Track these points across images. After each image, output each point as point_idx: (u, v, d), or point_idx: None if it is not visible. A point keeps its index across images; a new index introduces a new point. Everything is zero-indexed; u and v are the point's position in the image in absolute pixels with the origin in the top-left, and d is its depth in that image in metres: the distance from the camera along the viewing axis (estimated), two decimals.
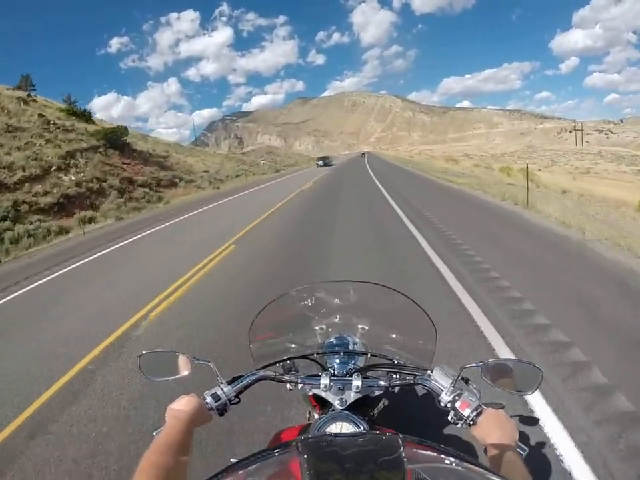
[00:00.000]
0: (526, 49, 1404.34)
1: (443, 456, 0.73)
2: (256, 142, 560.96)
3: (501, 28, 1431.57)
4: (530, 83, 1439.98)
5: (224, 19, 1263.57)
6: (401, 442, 0.69)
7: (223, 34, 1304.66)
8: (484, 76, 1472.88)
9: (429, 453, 0.75)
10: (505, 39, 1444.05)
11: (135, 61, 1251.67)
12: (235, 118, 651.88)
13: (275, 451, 0.76)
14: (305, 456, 0.66)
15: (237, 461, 0.79)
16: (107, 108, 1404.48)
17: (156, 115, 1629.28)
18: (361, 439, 0.79)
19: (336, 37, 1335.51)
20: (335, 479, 0.62)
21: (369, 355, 1.33)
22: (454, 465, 0.71)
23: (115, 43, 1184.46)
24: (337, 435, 0.93)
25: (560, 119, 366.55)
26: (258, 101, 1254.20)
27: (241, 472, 0.73)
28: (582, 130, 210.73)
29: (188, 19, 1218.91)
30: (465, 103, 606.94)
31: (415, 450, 0.73)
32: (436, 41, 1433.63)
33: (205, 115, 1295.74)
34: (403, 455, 0.66)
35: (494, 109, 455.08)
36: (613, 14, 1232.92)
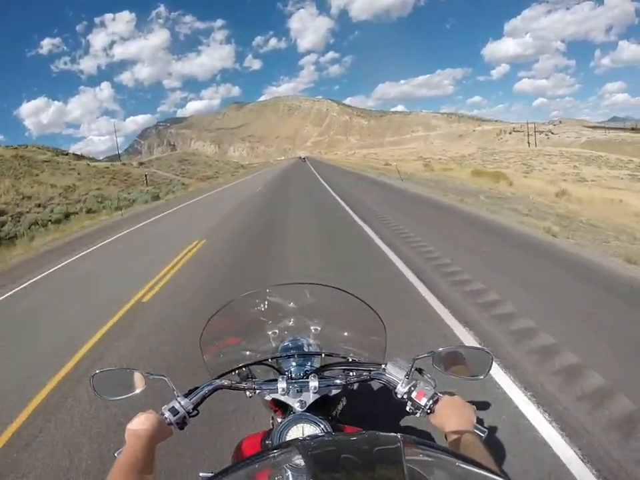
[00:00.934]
0: (459, 56, 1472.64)
1: (442, 455, 0.74)
2: (189, 148, 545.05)
3: (436, 36, 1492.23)
4: (462, 88, 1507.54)
5: (160, 21, 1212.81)
6: (400, 441, 0.69)
7: (159, 37, 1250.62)
8: (418, 82, 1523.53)
9: (429, 452, 0.76)
10: (439, 46, 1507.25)
11: (67, 63, 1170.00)
12: (169, 124, 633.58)
13: (275, 452, 0.77)
14: (305, 456, 0.67)
15: (237, 462, 0.81)
16: (37, 113, 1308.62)
17: (88, 121, 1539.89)
18: (361, 439, 0.80)
19: (273, 42, 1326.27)
20: (335, 478, 0.62)
21: (323, 355, 1.35)
22: (453, 464, 0.72)
23: (47, 44, 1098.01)
24: (337, 435, 0.99)
25: (497, 121, 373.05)
26: (193, 107, 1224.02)
27: (241, 472, 0.74)
28: (523, 132, 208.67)
29: (123, 20, 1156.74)
30: (400, 107, 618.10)
31: (414, 450, 0.73)
32: (372, 47, 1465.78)
33: (139, 121, 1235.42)
34: (403, 454, 0.66)
35: (431, 112, 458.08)
36: (543, 24, 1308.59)
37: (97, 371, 1.17)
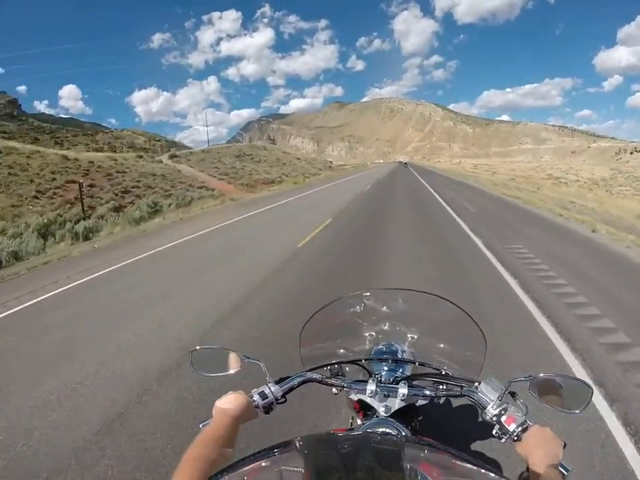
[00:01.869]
0: (568, 64, 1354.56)
1: (442, 455, 0.74)
2: (288, 144, 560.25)
3: (544, 42, 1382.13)
4: (571, 100, 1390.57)
5: (265, 20, 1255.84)
6: (400, 442, 0.70)
7: (264, 35, 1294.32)
8: (524, 90, 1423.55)
9: (429, 452, 0.76)
10: (547, 53, 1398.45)
11: (176, 57, 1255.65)
12: (271, 119, 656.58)
13: (276, 450, 0.78)
14: (306, 455, 0.68)
15: (238, 460, 0.81)
16: (147, 102, 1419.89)
17: (194, 112, 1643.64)
18: (361, 439, 0.81)
19: (377, 43, 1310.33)
20: (335, 478, 0.62)
21: (416, 364, 1.35)
22: (454, 464, 0.71)
23: (157, 39, 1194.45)
24: (337, 435, 0.98)
25: (612, 138, 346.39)
26: (296, 104, 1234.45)
27: (243, 470, 0.74)
28: None
29: (230, 18, 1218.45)
30: (504, 117, 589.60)
31: (414, 450, 0.73)
32: (477, 52, 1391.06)
33: (244, 114, 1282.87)
34: (403, 454, 0.66)
35: (542, 123, 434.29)
36: None
37: (197, 347, 1.26)
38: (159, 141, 57.22)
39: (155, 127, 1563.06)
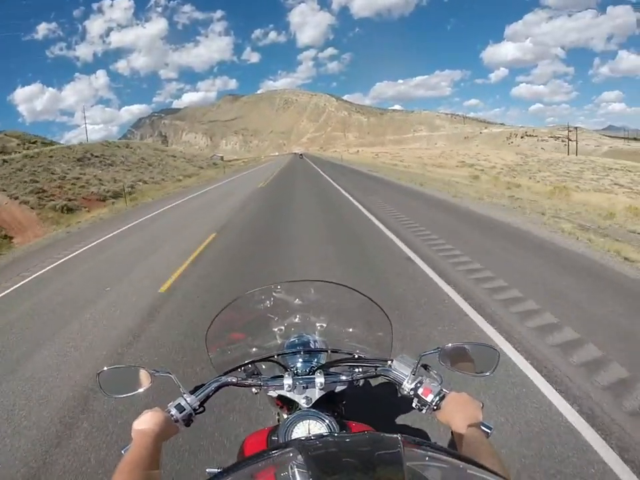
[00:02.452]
0: (458, 58, 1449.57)
1: (442, 456, 0.75)
2: (180, 140, 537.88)
3: (436, 36, 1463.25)
4: (460, 91, 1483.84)
5: (159, 9, 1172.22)
6: (400, 442, 0.70)
7: (157, 25, 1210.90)
8: (416, 82, 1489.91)
9: (429, 453, 0.76)
10: (438, 47, 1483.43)
11: (63, 49, 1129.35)
12: (163, 115, 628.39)
13: (275, 452, 0.78)
14: (305, 456, 0.67)
15: (239, 461, 0.82)
16: (31, 99, 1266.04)
17: (82, 110, 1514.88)
18: (361, 439, 0.81)
19: (272, 35, 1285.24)
20: (335, 479, 0.63)
21: (329, 352, 1.38)
22: (453, 464, 0.72)
23: (42, 29, 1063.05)
24: (337, 436, 0.99)
25: (502, 124, 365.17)
26: (189, 98, 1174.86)
27: (240, 472, 0.75)
28: (536, 136, 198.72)
29: (121, 7, 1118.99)
30: (397, 107, 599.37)
31: (414, 450, 0.74)
32: (371, 45, 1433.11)
33: (135, 111, 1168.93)
34: (403, 455, 0.67)
35: (435, 112, 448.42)
36: (544, 29, 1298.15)
37: (105, 368, 1.18)
38: (34, 143, 43.94)
39: (41, 127, 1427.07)
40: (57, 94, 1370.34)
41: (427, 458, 0.74)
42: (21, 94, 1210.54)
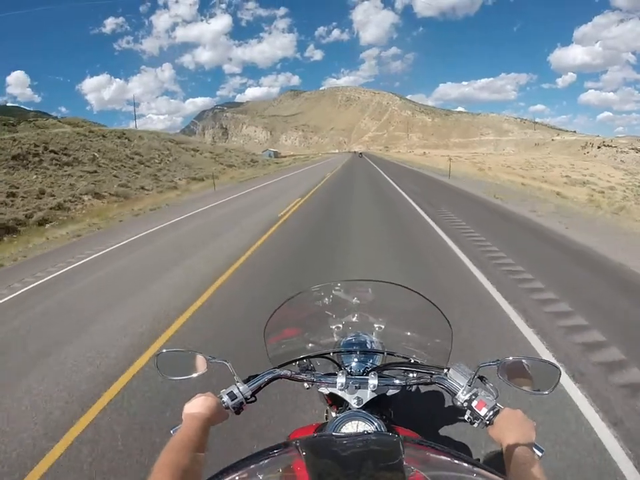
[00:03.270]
0: (525, 61, 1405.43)
1: (442, 456, 0.76)
2: (240, 133, 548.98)
3: (502, 38, 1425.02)
4: (525, 95, 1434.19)
5: (223, 5, 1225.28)
6: (400, 442, 0.70)
7: (221, 21, 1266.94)
8: (480, 84, 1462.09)
9: (429, 453, 0.77)
10: (504, 49, 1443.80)
11: (130, 43, 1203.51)
12: (225, 108, 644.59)
13: (275, 451, 0.79)
14: (306, 456, 0.68)
15: (237, 461, 0.83)
16: (99, 89, 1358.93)
17: (148, 100, 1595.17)
18: (361, 439, 0.81)
19: (335, 33, 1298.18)
20: (335, 479, 0.64)
21: (385, 354, 1.38)
22: (453, 465, 0.73)
23: (110, 23, 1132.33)
24: (337, 436, 0.98)
25: (574, 131, 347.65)
26: (252, 93, 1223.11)
27: (241, 472, 0.75)
28: (616, 147, 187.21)
29: (186, 2, 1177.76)
30: (460, 110, 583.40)
31: (414, 450, 0.75)
32: (435, 45, 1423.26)
33: (199, 103, 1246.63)
34: (403, 455, 0.68)
35: (503, 115, 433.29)
36: (614, 33, 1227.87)
37: (163, 350, 1.23)
38: (92, 132, 36.72)
39: (107, 116, 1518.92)
40: (123, 85, 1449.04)
41: (427, 458, 0.73)
42: (89, 84, 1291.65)
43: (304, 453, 0.68)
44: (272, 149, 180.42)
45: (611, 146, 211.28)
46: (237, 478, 0.73)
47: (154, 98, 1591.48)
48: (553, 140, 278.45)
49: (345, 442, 0.77)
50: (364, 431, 1.08)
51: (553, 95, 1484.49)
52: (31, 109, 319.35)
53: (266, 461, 0.75)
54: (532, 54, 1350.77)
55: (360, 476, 0.62)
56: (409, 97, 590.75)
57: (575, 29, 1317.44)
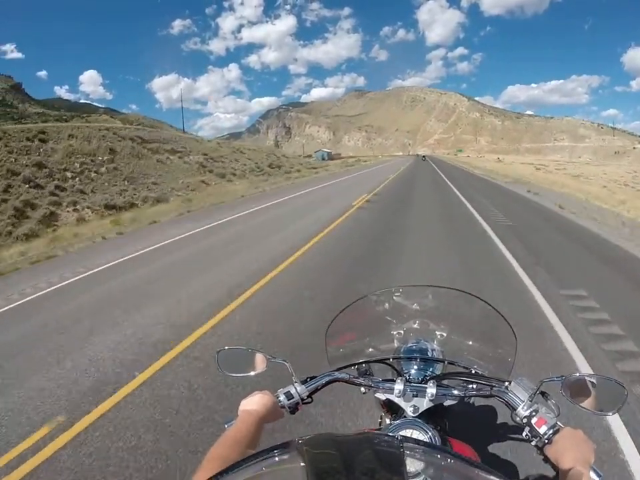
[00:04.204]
0: (596, 61, 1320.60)
1: (444, 458, 0.76)
2: (303, 133, 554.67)
3: (572, 37, 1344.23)
4: (598, 98, 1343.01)
5: (287, 7, 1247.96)
6: (401, 443, 0.71)
7: (286, 22, 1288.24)
8: (550, 87, 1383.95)
9: (429, 454, 0.78)
10: (574, 49, 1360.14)
11: (197, 44, 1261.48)
12: (290, 107, 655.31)
13: (275, 451, 0.78)
14: (305, 456, 0.68)
15: (236, 462, 0.81)
16: (167, 88, 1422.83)
17: (215, 99, 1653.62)
18: (362, 440, 0.79)
19: (401, 33, 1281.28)
20: (334, 479, 0.64)
21: (445, 363, 1.35)
22: (454, 466, 0.74)
23: (177, 25, 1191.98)
24: (337, 436, 0.93)
25: None
26: (317, 93, 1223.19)
27: (240, 472, 0.75)
28: None
29: (251, 4, 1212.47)
30: (528, 113, 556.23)
31: (415, 451, 0.75)
32: (503, 45, 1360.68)
33: (265, 103, 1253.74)
34: (404, 455, 0.68)
35: (579, 119, 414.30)
36: None
37: (225, 347, 1.26)
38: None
39: (175, 114, 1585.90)
40: (191, 84, 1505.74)
41: (428, 459, 0.75)
42: (158, 83, 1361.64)
43: (304, 453, 0.68)
44: (326, 150, 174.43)
45: None
46: (237, 477, 0.72)
47: (221, 97, 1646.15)
48: (634, 148, 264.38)
49: (345, 442, 0.76)
50: (363, 430, 1.05)
51: (626, 99, 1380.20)
52: (102, 106, 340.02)
53: (264, 462, 0.74)
54: (604, 55, 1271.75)
55: (360, 477, 0.62)
56: (476, 99, 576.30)
57: None
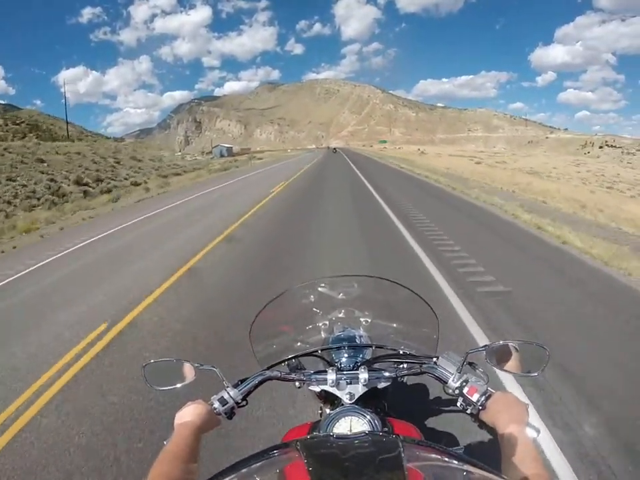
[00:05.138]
0: (505, 59, 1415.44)
1: (443, 457, 0.77)
2: (214, 127, 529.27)
3: (483, 36, 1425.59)
4: (505, 93, 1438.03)
5: None
6: (400, 443, 0.71)
7: (201, 13, 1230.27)
8: (460, 81, 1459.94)
9: (429, 453, 0.78)
10: (485, 46, 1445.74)
11: (107, 34, 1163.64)
12: (202, 102, 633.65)
13: (275, 452, 0.80)
14: (305, 457, 0.69)
15: (236, 462, 0.83)
16: (74, 82, 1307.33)
17: (125, 93, 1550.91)
18: (361, 440, 0.82)
19: (317, 27, 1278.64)
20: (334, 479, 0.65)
21: (373, 347, 1.38)
22: (454, 465, 0.74)
23: (87, 13, 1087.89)
24: (337, 436, 0.98)
25: (566, 129, 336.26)
26: (231, 87, 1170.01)
27: (239, 473, 0.76)
28: (621, 147, 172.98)
29: None
30: (442, 105, 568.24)
31: (415, 451, 0.76)
32: (417, 41, 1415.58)
33: (177, 97, 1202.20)
34: (403, 455, 0.68)
35: (493, 110, 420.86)
36: (596, 33, 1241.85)
37: (151, 361, 1.23)
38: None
39: (84, 109, 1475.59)
40: (100, 77, 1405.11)
41: (428, 458, 0.75)
42: (64, 76, 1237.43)
43: (304, 454, 0.69)
44: (225, 145, 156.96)
45: (614, 146, 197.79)
46: (237, 478, 0.73)
47: (131, 91, 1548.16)
48: (547, 138, 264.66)
49: (344, 442, 0.78)
50: (363, 430, 1.06)
51: (532, 93, 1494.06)
52: (3, 102, 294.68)
53: (264, 462, 0.76)
54: (513, 52, 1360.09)
55: (360, 477, 0.63)
56: (389, 92, 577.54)
57: (556, 28, 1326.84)
